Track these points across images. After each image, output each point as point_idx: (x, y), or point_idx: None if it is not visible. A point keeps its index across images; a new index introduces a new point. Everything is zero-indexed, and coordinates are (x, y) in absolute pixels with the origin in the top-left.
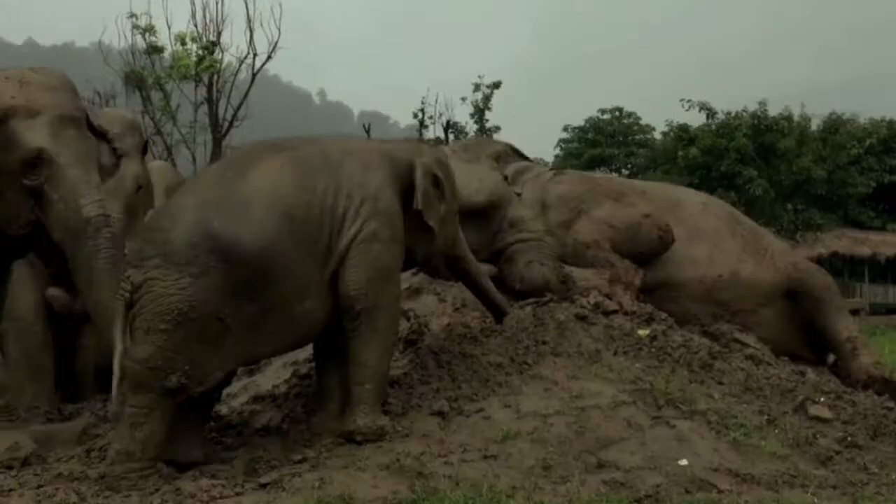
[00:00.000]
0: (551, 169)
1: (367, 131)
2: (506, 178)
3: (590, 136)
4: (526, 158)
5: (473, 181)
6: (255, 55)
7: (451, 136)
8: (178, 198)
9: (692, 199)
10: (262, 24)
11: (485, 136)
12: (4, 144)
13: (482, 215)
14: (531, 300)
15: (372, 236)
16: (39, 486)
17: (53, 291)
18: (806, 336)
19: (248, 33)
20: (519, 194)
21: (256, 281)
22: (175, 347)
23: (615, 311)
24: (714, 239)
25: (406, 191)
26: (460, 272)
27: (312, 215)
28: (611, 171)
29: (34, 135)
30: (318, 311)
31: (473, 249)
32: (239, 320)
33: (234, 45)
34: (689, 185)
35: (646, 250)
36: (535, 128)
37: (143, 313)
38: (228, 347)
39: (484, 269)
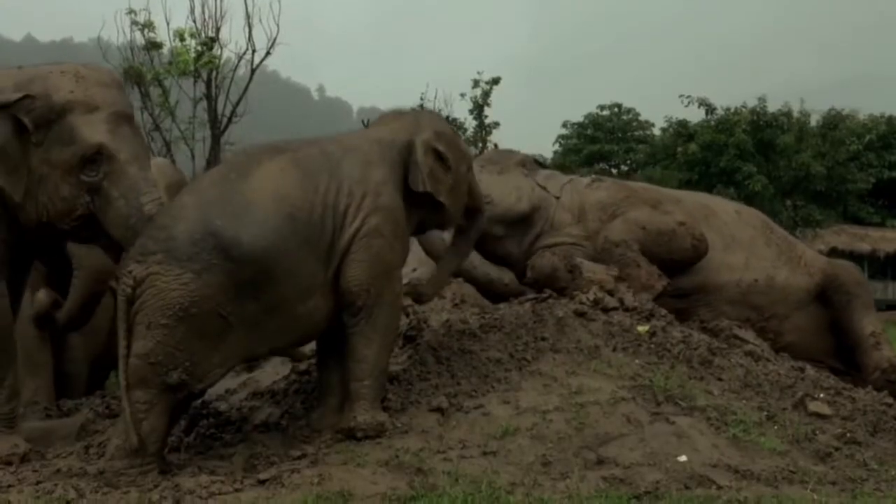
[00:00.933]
0: (591, 175)
1: (367, 127)
2: (538, 184)
3: (589, 132)
4: (544, 167)
5: (512, 191)
6: (253, 51)
7: None
8: (180, 197)
9: (726, 209)
10: (260, 20)
11: (483, 130)
12: (62, 139)
13: (525, 222)
14: (531, 296)
15: (374, 231)
16: (38, 482)
17: (41, 296)
18: (835, 344)
19: (246, 29)
20: (558, 198)
21: (259, 281)
22: (176, 343)
23: (615, 308)
24: (750, 246)
25: (411, 169)
26: (469, 223)
27: (315, 215)
28: (610, 167)
29: (94, 130)
30: (322, 310)
31: (519, 261)
32: (241, 318)
33: (232, 40)
34: (689, 181)
35: (679, 258)
36: (534, 124)
37: (144, 308)
38: (230, 345)
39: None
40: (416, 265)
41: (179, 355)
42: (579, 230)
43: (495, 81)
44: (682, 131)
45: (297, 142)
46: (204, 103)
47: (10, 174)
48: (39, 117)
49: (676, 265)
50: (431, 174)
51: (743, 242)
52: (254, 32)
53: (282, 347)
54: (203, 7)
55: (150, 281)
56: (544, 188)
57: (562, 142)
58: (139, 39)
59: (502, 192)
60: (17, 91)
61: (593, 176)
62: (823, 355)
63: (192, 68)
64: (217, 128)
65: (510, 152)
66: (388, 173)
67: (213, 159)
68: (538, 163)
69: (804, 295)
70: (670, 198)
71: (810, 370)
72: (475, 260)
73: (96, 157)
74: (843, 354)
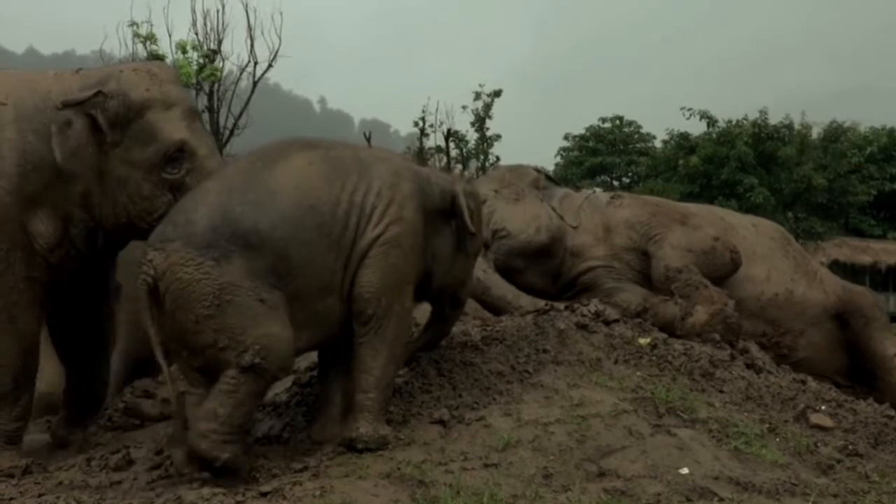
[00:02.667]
0: (608, 193)
1: (368, 140)
2: (553, 209)
3: (590, 144)
4: (557, 183)
5: (530, 222)
6: (255, 63)
7: (451, 145)
8: (205, 183)
9: (743, 222)
10: (262, 33)
11: (485, 143)
12: (143, 137)
13: (546, 254)
14: (532, 310)
15: (394, 240)
16: (41, 495)
17: None
18: (847, 362)
19: (248, 42)
20: (575, 227)
21: (279, 269)
22: (230, 328)
23: (616, 320)
24: (770, 259)
25: (429, 213)
26: (446, 312)
27: (340, 211)
28: (611, 179)
29: (174, 128)
30: (337, 312)
31: (544, 291)
32: (278, 303)
33: (234, 53)
34: (690, 193)
35: (720, 273)
36: (535, 136)
37: (180, 304)
38: (285, 328)
39: None
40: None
41: (242, 338)
42: (604, 250)
43: (497, 94)
44: (683, 144)
45: (330, 141)
46: (206, 116)
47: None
48: (115, 116)
49: (717, 282)
50: (474, 218)
51: (764, 255)
52: (255, 45)
53: (303, 346)
54: (205, 19)
55: (171, 273)
56: (561, 217)
57: (563, 154)
58: (141, 52)
59: (520, 223)
60: (84, 91)
61: (612, 193)
62: (834, 373)
63: (193, 81)
64: (219, 140)
65: (522, 170)
66: (415, 191)
67: None
68: (550, 178)
69: (820, 311)
70: (689, 211)
71: (812, 382)
72: (489, 281)
73: (178, 154)
74: (855, 373)
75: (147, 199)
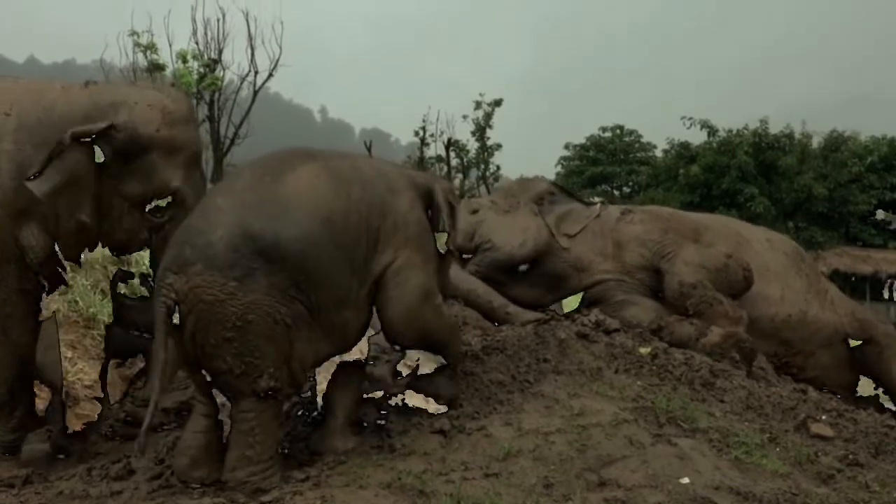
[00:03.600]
0: (620, 207)
1: (369, 149)
2: (547, 225)
3: (591, 153)
4: (571, 195)
5: (517, 234)
6: (256, 73)
7: (452, 154)
8: (214, 199)
9: (758, 236)
10: (263, 42)
11: (486, 152)
12: (139, 175)
13: (533, 266)
14: (532, 319)
15: (405, 265)
16: None
17: None
18: (853, 379)
19: (249, 51)
20: (566, 249)
21: (299, 282)
22: (250, 352)
23: (616, 330)
24: (784, 277)
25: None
26: None
27: (350, 223)
28: (612, 188)
29: (172, 174)
30: (354, 324)
31: (536, 301)
32: (297, 319)
33: (235, 62)
34: (691, 202)
35: (733, 292)
36: (536, 145)
37: (202, 327)
38: (300, 347)
39: None
40: None
41: (258, 363)
42: (612, 265)
43: (497, 103)
44: (684, 153)
45: (328, 151)
46: (206, 125)
47: (83, 202)
48: (120, 149)
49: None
50: (451, 216)
51: (777, 273)
52: (256, 54)
53: (321, 357)
54: (205, 29)
55: (195, 296)
56: (552, 233)
57: (564, 163)
58: (142, 61)
59: (506, 235)
60: (92, 110)
61: (623, 208)
62: (838, 388)
63: (194, 90)
64: (220, 150)
65: (530, 183)
66: (414, 199)
67: (215, 182)
68: (566, 191)
69: (832, 332)
70: (702, 226)
71: (812, 392)
72: (479, 288)
73: (167, 201)
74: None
75: (129, 231)
